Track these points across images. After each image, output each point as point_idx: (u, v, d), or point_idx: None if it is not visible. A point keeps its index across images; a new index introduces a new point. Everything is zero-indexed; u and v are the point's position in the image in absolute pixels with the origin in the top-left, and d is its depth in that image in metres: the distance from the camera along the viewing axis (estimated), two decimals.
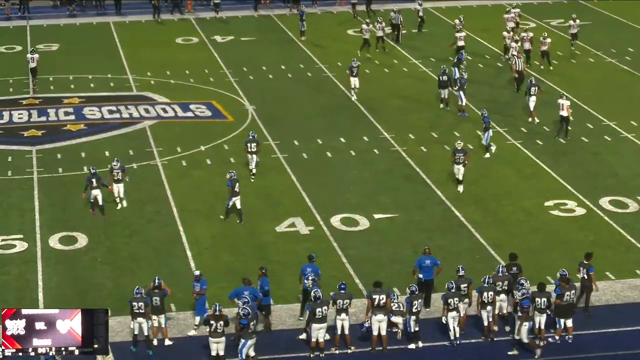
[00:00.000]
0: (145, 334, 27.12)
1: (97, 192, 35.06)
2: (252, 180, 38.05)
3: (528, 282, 27.87)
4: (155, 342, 27.26)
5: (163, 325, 27.35)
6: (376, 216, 35.16)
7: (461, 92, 44.08)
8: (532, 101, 43.10)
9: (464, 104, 44.21)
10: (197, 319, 27.93)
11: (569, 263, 30.68)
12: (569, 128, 41.39)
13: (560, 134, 41.80)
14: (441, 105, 45.22)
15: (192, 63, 53.02)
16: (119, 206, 35.61)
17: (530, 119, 43.26)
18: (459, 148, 36.65)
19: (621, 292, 30.22)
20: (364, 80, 49.29)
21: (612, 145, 41.30)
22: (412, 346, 27.44)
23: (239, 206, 34.69)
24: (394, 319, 27.74)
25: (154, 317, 27.13)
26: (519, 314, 26.64)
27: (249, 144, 38.26)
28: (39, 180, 38.29)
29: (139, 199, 36.70)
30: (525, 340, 26.73)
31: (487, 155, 39.83)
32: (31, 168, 39.47)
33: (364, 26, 53.78)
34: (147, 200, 36.62)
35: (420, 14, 58.27)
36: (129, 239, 33.82)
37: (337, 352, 27.23)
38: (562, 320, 27.71)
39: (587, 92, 46.35)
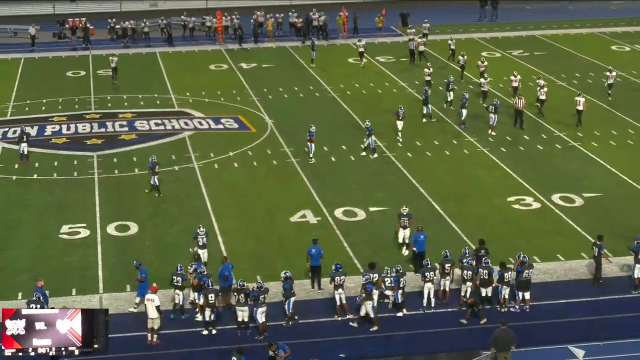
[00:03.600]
0: (181, 303, 27.29)
1: (24, 145, 39.92)
2: (311, 162, 39.78)
3: (490, 261, 28.06)
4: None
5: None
6: (371, 209, 35.12)
7: (463, 110, 43.97)
8: (491, 118, 42.90)
9: (463, 118, 44.04)
10: (138, 299, 27.77)
11: (528, 247, 30.80)
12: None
13: (579, 124, 43.72)
14: (424, 120, 45.17)
15: (222, 85, 52.98)
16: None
17: (490, 131, 43.07)
18: (404, 213, 31.31)
19: (569, 270, 30.25)
20: (362, 100, 49.39)
21: (561, 152, 41.22)
22: (399, 314, 27.52)
23: (155, 183, 36.28)
24: (387, 292, 27.83)
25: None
26: (363, 295, 26.78)
27: (308, 134, 40.41)
28: (98, 180, 38.32)
29: (179, 195, 36.72)
30: (372, 316, 26.75)
31: (375, 156, 40.28)
32: (92, 170, 39.50)
33: (426, 70, 50.94)
34: (186, 196, 36.63)
35: (452, 47, 57.09)
36: (170, 228, 33.86)
37: (339, 319, 27.25)
38: (521, 293, 27.76)
39: (543, 110, 46.23)
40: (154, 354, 24.92)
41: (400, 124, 42.51)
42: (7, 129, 44.76)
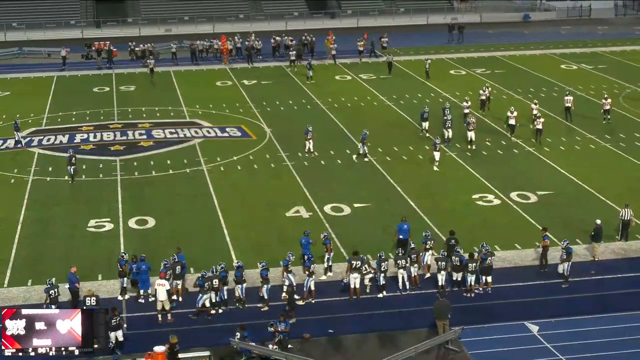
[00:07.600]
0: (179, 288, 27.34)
1: (20, 134, 42.75)
2: (365, 160, 40.02)
3: (462, 249, 28.08)
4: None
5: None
6: (356, 205, 35.09)
7: (446, 129, 42.85)
8: (469, 132, 42.21)
9: (449, 136, 42.75)
10: (142, 291, 27.61)
11: (490, 237, 30.78)
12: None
13: (568, 120, 45.55)
14: (420, 134, 44.31)
15: (227, 98, 52.88)
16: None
17: (469, 146, 42.33)
18: (323, 237, 29.39)
19: (525, 257, 30.28)
20: (349, 112, 49.36)
21: (518, 156, 41.27)
22: (380, 295, 27.50)
23: (72, 172, 37.68)
24: (369, 276, 27.80)
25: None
26: (261, 280, 26.85)
27: (361, 137, 40.90)
28: (121, 181, 38.21)
29: (190, 194, 36.62)
30: (266, 297, 26.64)
31: (366, 159, 40.13)
32: (116, 172, 39.37)
33: (481, 91, 48.68)
34: (196, 194, 36.53)
35: (427, 67, 56.60)
36: (183, 221, 33.75)
37: (313, 301, 27.21)
38: (484, 277, 27.80)
39: (501, 120, 46.26)
40: (169, 331, 24.84)
41: (437, 155, 39.27)
42: (42, 137, 44.64)
